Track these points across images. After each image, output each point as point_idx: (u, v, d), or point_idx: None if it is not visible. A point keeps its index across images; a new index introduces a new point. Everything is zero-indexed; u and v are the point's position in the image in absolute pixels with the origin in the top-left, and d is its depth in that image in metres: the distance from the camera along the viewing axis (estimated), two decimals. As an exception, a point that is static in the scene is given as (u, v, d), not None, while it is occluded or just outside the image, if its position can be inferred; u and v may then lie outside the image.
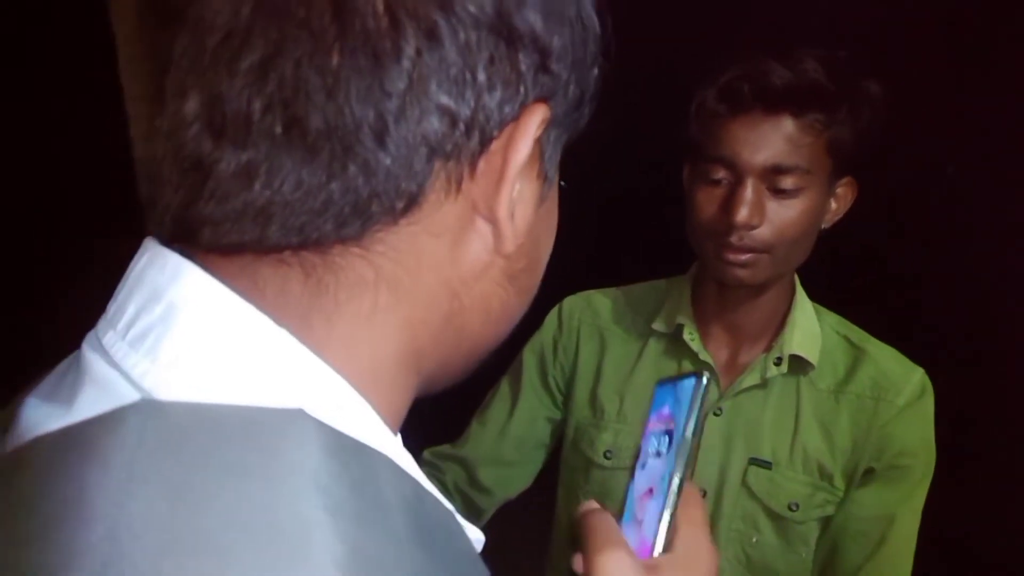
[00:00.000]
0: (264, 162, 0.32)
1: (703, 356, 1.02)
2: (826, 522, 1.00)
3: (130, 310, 0.34)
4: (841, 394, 0.99)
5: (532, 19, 0.34)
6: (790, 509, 0.99)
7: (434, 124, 0.32)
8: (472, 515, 1.12)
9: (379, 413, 0.35)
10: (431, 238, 0.35)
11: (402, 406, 0.38)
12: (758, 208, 0.90)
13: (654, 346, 1.06)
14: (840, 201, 0.97)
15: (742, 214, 0.89)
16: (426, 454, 1.16)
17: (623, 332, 1.09)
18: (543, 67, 0.35)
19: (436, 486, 1.13)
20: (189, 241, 0.34)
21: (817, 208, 0.92)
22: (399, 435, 0.42)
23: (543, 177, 0.38)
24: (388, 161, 0.32)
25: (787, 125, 0.89)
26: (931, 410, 0.99)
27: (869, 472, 0.98)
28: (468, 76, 0.33)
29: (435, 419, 1.22)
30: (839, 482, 0.99)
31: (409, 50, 0.31)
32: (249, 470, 0.29)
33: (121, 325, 0.34)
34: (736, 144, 0.90)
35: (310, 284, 0.34)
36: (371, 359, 0.35)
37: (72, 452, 0.30)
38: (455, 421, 1.18)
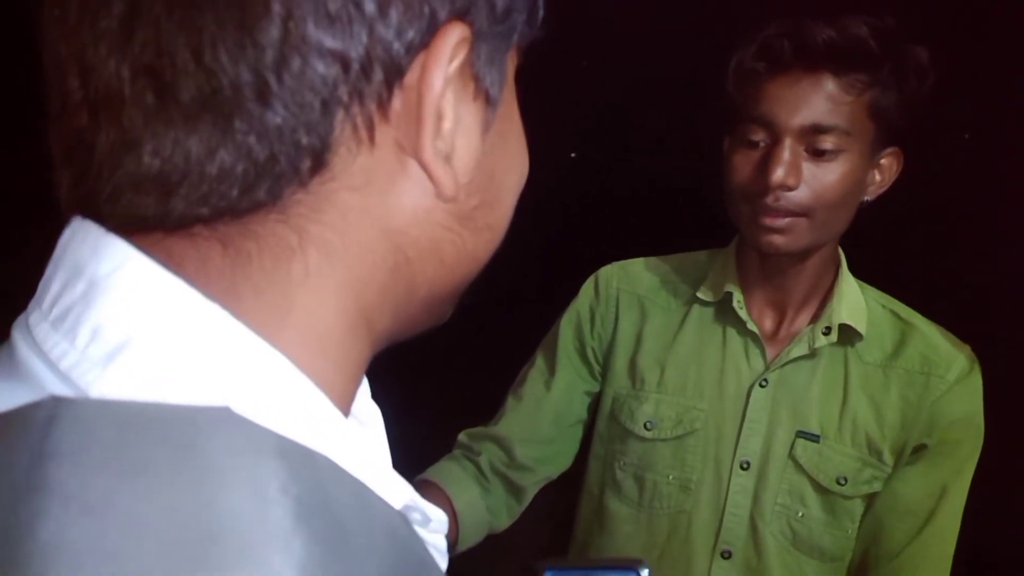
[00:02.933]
0: (144, 133, 0.30)
1: (750, 325, 1.00)
2: (871, 499, 0.98)
3: (54, 288, 0.32)
4: (890, 368, 0.97)
5: None
6: (838, 483, 0.97)
7: (321, 70, 0.29)
8: (513, 495, 1.08)
9: (323, 386, 0.32)
10: (353, 192, 0.32)
11: (355, 370, 0.35)
12: (795, 169, 0.88)
13: (698, 315, 1.04)
14: (884, 172, 0.95)
15: (778, 174, 0.87)
16: (462, 436, 1.12)
17: (664, 300, 1.06)
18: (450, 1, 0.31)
19: (472, 469, 1.09)
20: (97, 218, 0.32)
21: (857, 174, 0.90)
22: (372, 407, 0.40)
23: (484, 100, 0.35)
24: (278, 120, 0.29)
25: (827, 83, 0.87)
26: (980, 386, 0.97)
27: (919, 449, 0.96)
28: (352, 9, 0.29)
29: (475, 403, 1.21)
30: (888, 458, 0.97)
31: None
32: (166, 470, 0.27)
33: (46, 304, 0.32)
34: (774, 103, 0.89)
35: (230, 254, 0.32)
36: (313, 327, 0.33)
37: None
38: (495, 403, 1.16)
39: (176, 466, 0.27)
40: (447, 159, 0.33)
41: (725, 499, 1.00)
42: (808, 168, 0.89)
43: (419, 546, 0.34)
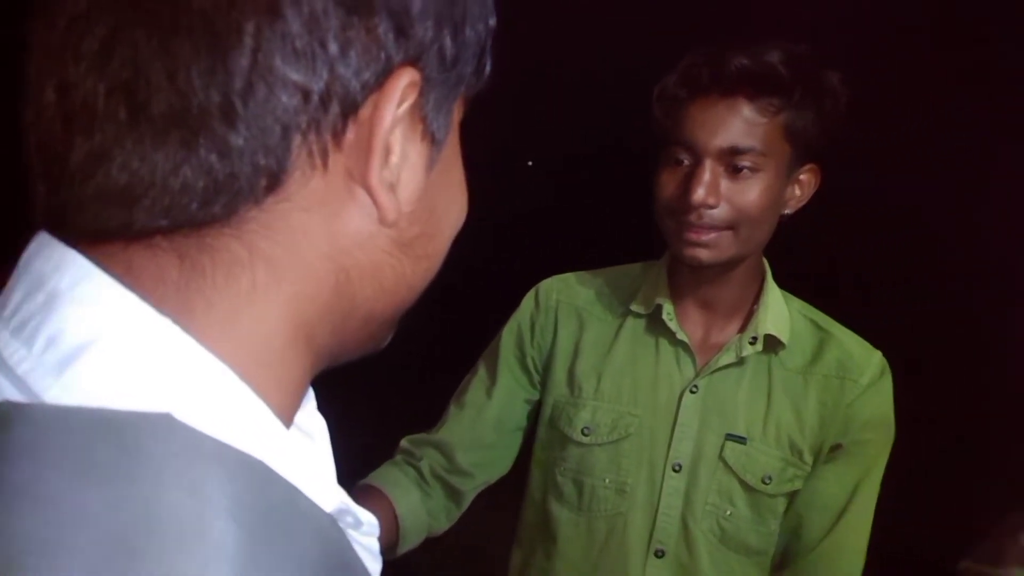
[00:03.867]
0: (115, 146, 0.32)
1: (680, 335, 1.05)
2: (793, 496, 1.05)
3: (15, 298, 0.34)
4: (809, 374, 1.04)
5: None
6: (764, 483, 1.03)
7: (283, 100, 0.32)
8: (453, 499, 1.12)
9: (265, 398, 0.34)
10: (303, 213, 0.35)
11: (296, 384, 0.37)
12: (714, 188, 0.94)
13: (632, 326, 1.09)
14: (803, 187, 1.01)
15: (699, 194, 0.93)
16: (404, 442, 1.15)
17: (601, 312, 1.11)
18: (401, 31, 0.34)
19: (413, 474, 1.12)
20: (61, 231, 0.34)
21: (775, 190, 0.97)
22: (318, 420, 0.42)
23: (430, 141, 0.38)
24: (240, 141, 0.32)
25: (743, 107, 0.93)
26: (890, 388, 1.04)
27: (836, 448, 1.03)
28: (317, 48, 0.32)
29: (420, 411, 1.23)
30: (808, 457, 1.03)
31: (249, 27, 0.31)
32: (107, 473, 0.29)
33: (7, 313, 0.33)
34: (695, 126, 0.94)
35: (186, 267, 0.34)
36: (257, 340, 0.35)
37: None
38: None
39: (121, 467, 0.29)
40: (392, 188, 0.36)
41: (658, 500, 1.05)
42: (728, 186, 0.95)
43: (347, 547, 0.36)
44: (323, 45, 0.32)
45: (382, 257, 0.38)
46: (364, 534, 0.39)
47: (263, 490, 0.32)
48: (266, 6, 0.31)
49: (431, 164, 0.38)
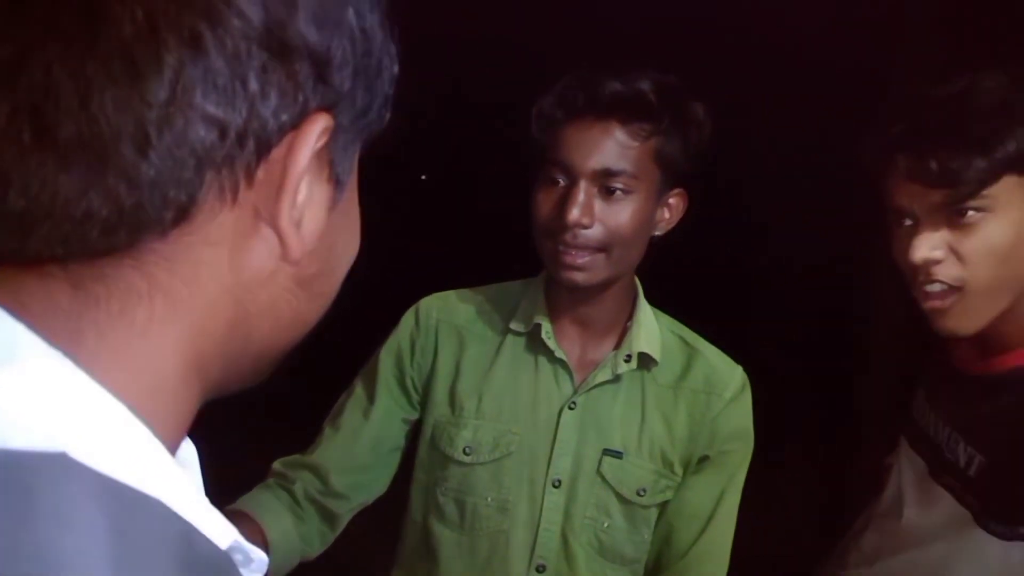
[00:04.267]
0: (14, 171, 0.30)
1: (559, 353, 1.07)
2: (664, 506, 1.09)
3: None
4: (679, 389, 1.09)
5: (305, 30, 0.34)
6: (639, 495, 1.07)
7: (200, 134, 0.32)
8: (327, 522, 1.09)
9: (156, 431, 0.34)
10: (208, 247, 0.35)
11: (185, 416, 0.37)
12: (588, 209, 0.97)
13: (511, 344, 1.11)
14: (672, 211, 1.06)
15: (574, 214, 0.96)
16: (276, 465, 1.12)
17: (481, 331, 1.12)
18: (321, 77, 0.35)
19: (286, 498, 1.09)
20: None
21: (646, 212, 1.01)
22: (190, 447, 0.41)
23: (334, 183, 0.39)
24: (152, 172, 0.31)
25: (615, 131, 0.97)
26: (750, 401, 1.11)
27: (703, 459, 1.09)
28: (238, 86, 0.32)
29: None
30: (678, 469, 1.08)
31: (171, 59, 0.30)
32: (4, 519, 0.28)
33: None
34: (570, 148, 0.97)
35: (79, 296, 0.33)
36: (149, 373, 0.35)
37: None
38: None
39: (15, 511, 0.28)
40: (297, 227, 0.37)
41: (539, 516, 1.07)
42: (601, 207, 0.98)
43: None
44: (244, 83, 0.32)
45: (281, 294, 0.39)
46: (252, 571, 0.39)
47: (161, 530, 0.32)
48: (189, 40, 0.31)
49: (333, 204, 0.39)
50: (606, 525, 1.07)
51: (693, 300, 1.41)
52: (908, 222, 0.91)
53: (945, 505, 0.96)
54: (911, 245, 0.88)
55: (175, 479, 0.34)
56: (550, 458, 1.07)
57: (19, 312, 0.32)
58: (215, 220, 0.34)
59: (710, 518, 1.08)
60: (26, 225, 0.31)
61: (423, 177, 4.29)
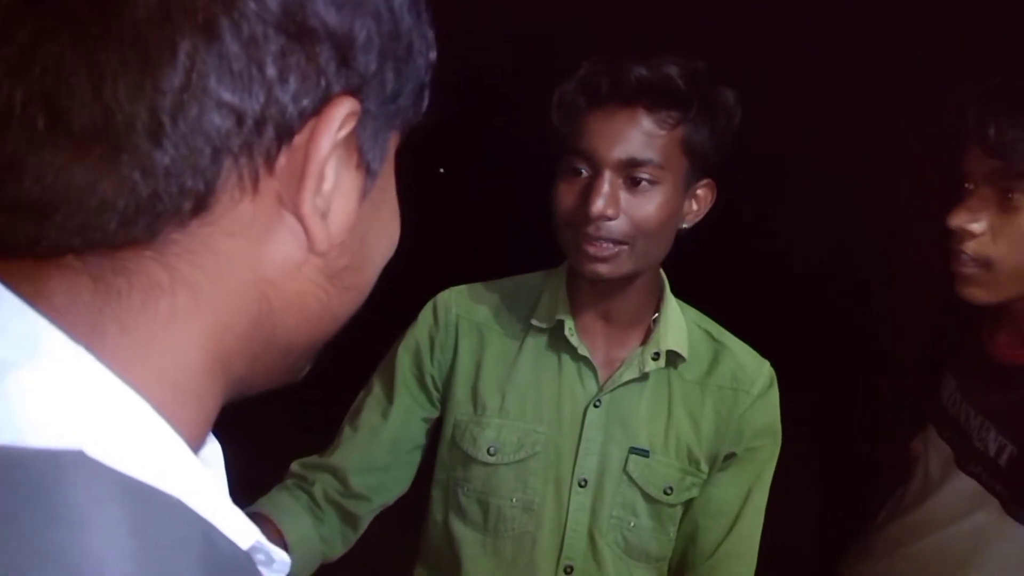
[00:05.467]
0: (28, 158, 0.30)
1: (582, 350, 1.05)
2: (690, 503, 1.07)
3: None
4: (705, 385, 1.07)
5: (324, 12, 0.33)
6: (665, 493, 1.05)
7: (216, 121, 0.31)
8: (348, 524, 1.07)
9: (178, 428, 0.33)
10: (229, 238, 0.34)
11: (208, 413, 0.36)
12: (613, 200, 0.93)
13: (533, 341, 1.08)
14: (700, 202, 1.02)
15: (598, 205, 0.92)
16: (294, 466, 1.09)
17: (502, 327, 1.09)
18: (344, 60, 0.34)
19: (305, 499, 1.07)
20: None
21: (673, 204, 0.97)
22: (214, 445, 0.40)
23: (364, 171, 0.37)
24: (167, 160, 0.31)
25: (642, 119, 0.93)
26: (777, 397, 1.09)
27: (729, 456, 1.07)
28: (255, 71, 0.31)
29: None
30: (704, 466, 1.06)
31: (185, 45, 0.30)
32: (18, 516, 0.27)
33: None
34: (594, 137, 0.93)
35: (100, 289, 0.32)
36: (172, 368, 0.34)
37: None
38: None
39: (32, 512, 0.28)
40: (323, 216, 0.35)
41: (566, 517, 1.05)
42: (626, 199, 0.94)
43: None
44: (260, 68, 0.31)
45: (308, 287, 0.37)
46: (274, 571, 0.38)
47: (182, 531, 0.31)
48: (203, 25, 0.30)
49: (364, 194, 0.38)
50: (632, 524, 1.05)
51: (707, 290, 1.38)
52: (969, 186, 0.91)
53: (972, 493, 0.97)
54: (955, 211, 0.90)
55: (196, 478, 0.33)
56: (576, 457, 1.04)
57: (41, 305, 0.31)
58: (236, 210, 0.34)
59: (738, 516, 1.06)
60: (42, 213, 0.31)
61: (441, 170, 4.27)
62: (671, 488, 1.05)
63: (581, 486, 1.05)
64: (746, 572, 1.08)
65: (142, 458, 0.31)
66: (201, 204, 0.32)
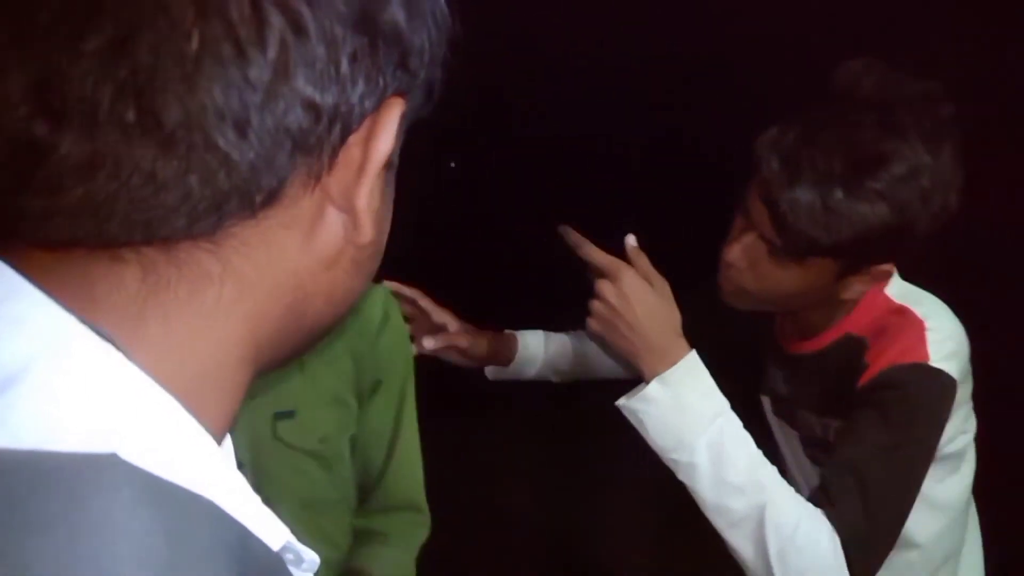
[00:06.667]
0: (111, 153, 0.30)
1: None
2: (353, 439, 1.12)
3: None
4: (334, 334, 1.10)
5: (397, 16, 0.34)
6: (322, 443, 1.09)
7: (299, 117, 0.32)
8: None
9: (208, 423, 0.34)
10: (283, 230, 0.35)
11: (236, 404, 0.37)
12: None
13: None
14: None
15: None
16: None
17: None
18: (402, 63, 0.35)
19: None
20: (5, 236, 0.32)
21: None
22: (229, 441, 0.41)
23: (388, 164, 0.39)
24: (251, 155, 0.31)
25: None
26: (400, 319, 1.13)
27: (375, 385, 1.11)
28: (332, 69, 0.32)
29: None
30: (352, 401, 1.10)
31: (274, 40, 0.31)
32: (51, 524, 0.27)
33: None
34: None
35: (149, 280, 0.33)
36: (208, 360, 0.34)
37: None
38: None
39: (65, 520, 0.27)
40: (369, 210, 0.37)
41: None
42: None
43: None
44: (337, 67, 0.32)
45: (339, 275, 0.39)
46: (305, 570, 0.39)
47: (217, 534, 0.31)
48: (293, 23, 0.31)
49: (386, 186, 0.40)
50: (306, 483, 1.09)
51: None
52: (741, 222, 1.02)
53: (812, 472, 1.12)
54: (729, 246, 1.02)
55: (227, 479, 0.33)
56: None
57: (80, 298, 0.32)
58: (297, 204, 0.35)
59: (395, 435, 1.12)
60: (108, 211, 0.31)
61: (452, 164, 4.28)
62: (326, 436, 1.08)
63: (239, 470, 1.06)
64: (416, 482, 1.15)
65: (174, 460, 0.31)
66: (270, 199, 0.33)
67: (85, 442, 0.29)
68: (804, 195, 0.90)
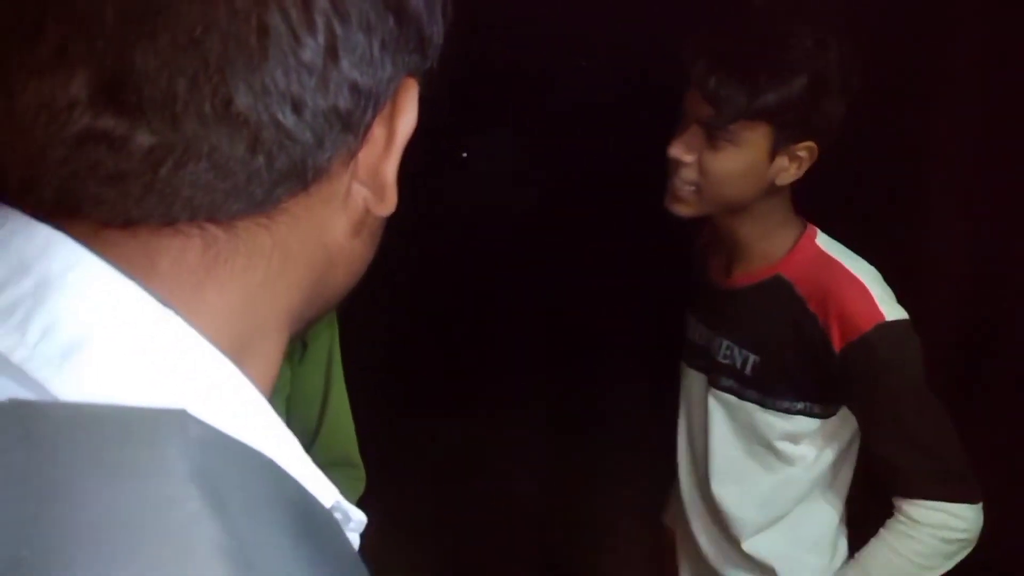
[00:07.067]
0: (185, 141, 0.32)
1: None
2: (288, 401, 1.10)
3: None
4: None
5: (420, 6, 0.37)
6: None
7: (346, 98, 0.34)
8: None
9: (257, 384, 0.35)
10: (323, 205, 0.37)
11: (275, 371, 0.39)
12: None
13: None
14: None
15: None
16: None
17: None
18: (419, 49, 0.37)
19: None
20: (72, 215, 0.33)
21: None
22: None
23: None
24: (308, 134, 0.33)
25: None
26: None
27: (303, 347, 1.09)
28: (367, 52, 0.34)
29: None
30: (284, 365, 1.08)
31: (323, 24, 0.32)
32: (127, 470, 0.29)
33: None
34: None
35: (209, 254, 0.35)
36: (256, 329, 0.37)
37: None
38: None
39: (143, 466, 0.29)
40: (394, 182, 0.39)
41: None
42: None
43: (349, 543, 0.37)
44: (372, 49, 0.34)
45: (359, 246, 0.41)
46: (352, 531, 0.40)
47: (279, 491, 0.33)
48: (338, 8, 0.33)
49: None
50: None
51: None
52: (681, 127, 1.12)
53: (727, 405, 1.22)
54: (673, 143, 1.12)
55: (284, 439, 0.35)
56: None
57: (144, 269, 0.33)
58: (337, 180, 0.37)
59: (325, 397, 1.11)
60: (174, 195, 0.33)
61: (464, 155, 4.29)
62: None
63: None
64: (348, 439, 1.15)
65: (236, 419, 0.33)
66: (319, 175, 0.35)
67: (157, 399, 0.31)
68: (729, 67, 1.06)
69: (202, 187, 0.33)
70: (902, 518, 1.12)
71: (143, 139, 0.31)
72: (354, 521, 0.39)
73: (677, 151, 1.11)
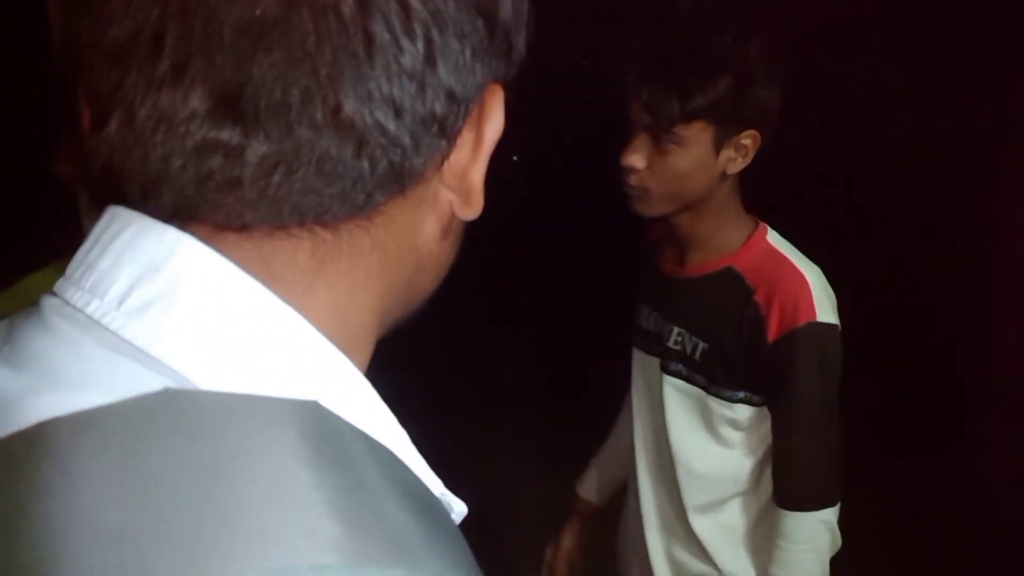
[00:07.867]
0: (298, 149, 0.33)
1: None
2: None
3: (122, 279, 0.34)
4: None
5: (508, 15, 0.38)
6: None
7: (441, 103, 0.35)
8: None
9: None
10: (416, 208, 0.38)
11: (366, 365, 0.40)
12: None
13: None
14: None
15: None
16: None
17: None
18: (506, 52, 0.38)
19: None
20: (190, 219, 0.35)
21: None
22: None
23: None
24: (407, 139, 0.35)
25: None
26: None
27: None
28: (462, 59, 0.35)
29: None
30: None
31: (421, 31, 0.33)
32: (274, 455, 0.30)
33: (112, 295, 0.34)
34: None
35: (317, 255, 0.36)
36: (357, 327, 0.38)
37: (104, 441, 0.30)
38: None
39: (284, 449, 0.31)
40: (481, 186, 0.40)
41: None
42: None
43: (457, 529, 0.38)
44: (465, 55, 0.35)
45: (446, 248, 0.42)
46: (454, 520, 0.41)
47: (405, 478, 0.35)
48: (436, 15, 0.34)
49: None
50: None
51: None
52: (634, 132, 1.17)
53: (677, 389, 1.27)
54: (625, 151, 1.16)
55: (397, 432, 0.37)
56: None
57: (260, 271, 0.35)
58: (429, 184, 0.38)
59: None
60: (285, 201, 0.34)
61: (515, 158, 4.28)
62: None
63: None
64: None
65: (358, 412, 0.35)
66: (415, 179, 0.36)
67: (289, 391, 0.33)
68: (659, 75, 1.11)
69: (311, 191, 0.34)
70: (780, 542, 1.20)
71: (258, 148, 0.33)
72: (456, 512, 0.40)
73: (629, 160, 1.16)
